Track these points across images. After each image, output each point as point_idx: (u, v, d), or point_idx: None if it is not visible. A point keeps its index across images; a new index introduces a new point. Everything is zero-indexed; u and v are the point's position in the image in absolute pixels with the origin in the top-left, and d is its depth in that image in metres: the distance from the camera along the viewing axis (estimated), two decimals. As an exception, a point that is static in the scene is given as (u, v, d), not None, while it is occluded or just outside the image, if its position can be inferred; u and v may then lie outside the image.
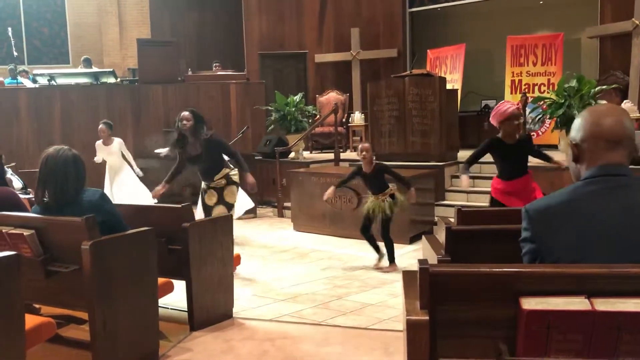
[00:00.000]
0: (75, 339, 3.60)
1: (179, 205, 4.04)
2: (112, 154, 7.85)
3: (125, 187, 7.75)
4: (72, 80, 9.68)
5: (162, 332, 3.72)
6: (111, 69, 10.25)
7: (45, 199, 3.22)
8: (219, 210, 5.57)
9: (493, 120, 4.92)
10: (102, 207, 3.25)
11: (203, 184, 5.81)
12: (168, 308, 4.24)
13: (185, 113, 5.61)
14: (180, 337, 3.86)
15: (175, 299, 4.13)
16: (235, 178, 5.78)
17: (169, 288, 3.86)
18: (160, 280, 3.62)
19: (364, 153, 5.57)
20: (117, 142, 7.89)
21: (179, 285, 3.99)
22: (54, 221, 3.19)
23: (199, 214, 5.94)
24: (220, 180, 5.67)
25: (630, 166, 1.69)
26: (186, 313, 4.01)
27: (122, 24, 12.20)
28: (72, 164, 3.21)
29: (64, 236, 3.14)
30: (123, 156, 7.96)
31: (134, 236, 3.35)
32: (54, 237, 3.19)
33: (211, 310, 4.12)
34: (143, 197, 7.44)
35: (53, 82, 9.54)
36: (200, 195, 5.95)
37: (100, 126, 7.82)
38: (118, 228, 3.30)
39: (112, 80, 9.74)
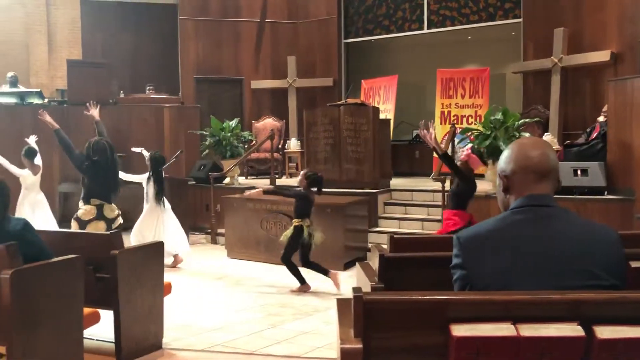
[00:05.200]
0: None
1: (108, 232, 3.92)
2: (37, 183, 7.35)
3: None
4: (-4, 100, 9.24)
5: (87, 365, 3.56)
6: (38, 89, 9.86)
7: None
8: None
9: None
10: (24, 238, 3.07)
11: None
12: (94, 339, 4.07)
13: None
14: (107, 370, 3.71)
15: (102, 329, 3.97)
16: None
17: (96, 318, 3.72)
18: (86, 310, 3.48)
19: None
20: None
21: (107, 315, 3.84)
22: (-29, 249, 3.00)
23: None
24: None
25: (555, 196, 1.79)
26: (113, 344, 3.86)
27: (52, 43, 11.78)
28: None
29: (-18, 265, 2.97)
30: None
31: (60, 264, 3.20)
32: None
33: (140, 341, 3.98)
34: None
35: (-26, 102, 9.08)
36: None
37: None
38: (41, 258, 3.13)
39: (39, 101, 9.36)
